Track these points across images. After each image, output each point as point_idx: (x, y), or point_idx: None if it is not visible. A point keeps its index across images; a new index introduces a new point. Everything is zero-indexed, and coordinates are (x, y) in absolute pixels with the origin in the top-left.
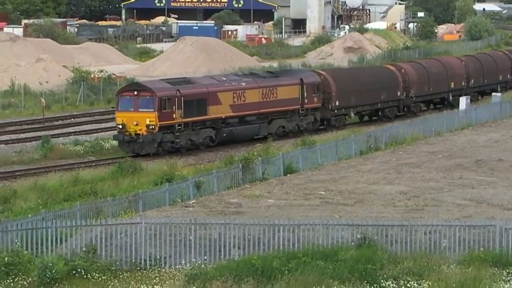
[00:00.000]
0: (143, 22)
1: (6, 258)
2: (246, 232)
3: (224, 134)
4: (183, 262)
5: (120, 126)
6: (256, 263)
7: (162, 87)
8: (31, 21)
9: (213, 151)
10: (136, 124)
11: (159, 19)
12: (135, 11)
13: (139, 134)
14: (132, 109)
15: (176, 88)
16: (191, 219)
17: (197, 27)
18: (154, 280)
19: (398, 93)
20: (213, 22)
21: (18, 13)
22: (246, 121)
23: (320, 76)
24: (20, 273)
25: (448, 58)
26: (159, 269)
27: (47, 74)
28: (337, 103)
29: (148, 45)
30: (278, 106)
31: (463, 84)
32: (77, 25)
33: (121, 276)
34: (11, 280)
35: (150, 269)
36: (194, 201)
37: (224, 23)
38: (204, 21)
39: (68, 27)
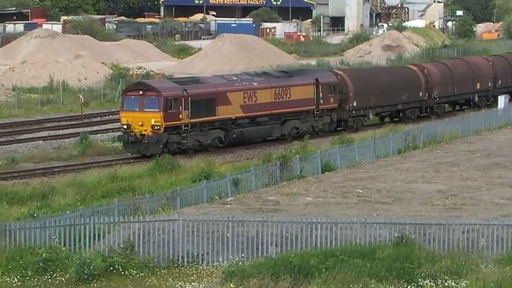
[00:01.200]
0: (181, 19)
1: (44, 254)
2: (284, 230)
3: (234, 135)
4: (221, 259)
5: (125, 127)
6: (293, 261)
7: (168, 87)
8: (70, 17)
9: (250, 149)
10: (141, 125)
11: (198, 16)
12: (173, 8)
13: (144, 134)
14: (138, 109)
15: (183, 88)
16: (228, 216)
17: (235, 25)
18: (192, 277)
19: (420, 94)
20: (252, 19)
21: (57, 9)
22: (258, 122)
23: (337, 76)
24: (58, 269)
25: (475, 58)
26: (196, 266)
27: (86, 71)
28: (354, 104)
29: (187, 42)
30: (291, 107)
31: (489, 84)
32: (116, 22)
33: (158, 273)
34: (49, 276)
35: (188, 266)
36: (231, 198)
37: (263, 21)
38: (243, 19)
39: (106, 24)
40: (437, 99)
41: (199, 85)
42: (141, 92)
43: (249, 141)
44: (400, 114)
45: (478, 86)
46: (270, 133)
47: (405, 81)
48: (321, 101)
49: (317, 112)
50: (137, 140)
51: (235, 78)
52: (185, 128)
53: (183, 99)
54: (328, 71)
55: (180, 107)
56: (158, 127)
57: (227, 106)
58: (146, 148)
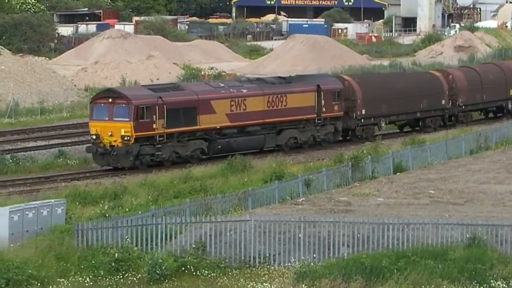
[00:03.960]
0: (253, 19)
1: (116, 254)
2: (355, 231)
3: (219, 146)
4: (292, 259)
5: (94, 137)
6: (365, 262)
7: (140, 94)
8: (142, 18)
9: (321, 150)
10: (111, 135)
11: (269, 17)
12: (245, 8)
13: (114, 145)
14: (107, 118)
15: (158, 95)
16: (300, 217)
17: (307, 25)
18: (263, 278)
19: (443, 101)
20: (323, 20)
21: (129, 10)
22: (248, 131)
23: (344, 82)
24: (130, 269)
25: (508, 63)
26: (268, 266)
27: (158, 71)
28: (363, 112)
29: (258, 42)
30: (288, 115)
31: None
32: (188, 22)
33: (230, 273)
34: (121, 276)
35: (259, 267)
36: (303, 198)
37: (334, 21)
38: (314, 19)
39: (178, 25)
40: (463, 106)
41: (178, 92)
42: (110, 100)
43: (239, 152)
44: (420, 123)
45: (511, 92)
46: (262, 143)
47: (424, 87)
48: (323, 109)
49: (319, 121)
50: (107, 151)
51: (221, 85)
52: (160, 139)
53: (157, 107)
54: (334, 76)
55: (154, 116)
56: (128, 137)
57: (211, 115)
58: (116, 160)
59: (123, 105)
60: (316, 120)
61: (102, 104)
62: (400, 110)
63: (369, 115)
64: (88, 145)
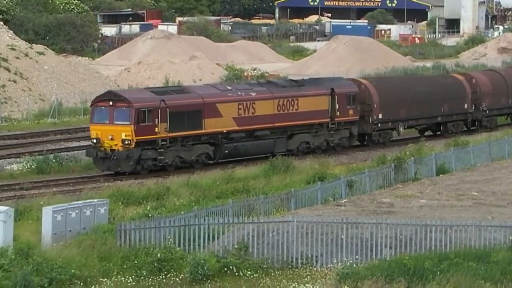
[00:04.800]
0: (296, 20)
1: (159, 254)
2: (398, 232)
3: (226, 151)
4: (335, 261)
5: (95, 141)
6: (407, 264)
7: (142, 97)
8: (185, 19)
9: (364, 151)
10: (112, 139)
11: (312, 18)
12: (288, 9)
13: (114, 150)
14: (108, 122)
15: (161, 98)
16: (343, 218)
17: (350, 26)
18: (305, 279)
19: (466, 106)
20: (367, 21)
21: (173, 11)
22: (257, 136)
23: (361, 86)
24: (173, 270)
25: None
26: (310, 267)
27: (201, 72)
28: (380, 116)
29: (301, 43)
30: (299, 120)
31: None
32: (231, 23)
33: (272, 274)
34: (163, 276)
35: (302, 268)
36: (346, 200)
37: (378, 23)
38: (358, 20)
39: (222, 25)
40: (487, 111)
41: (182, 95)
42: (111, 103)
43: (248, 156)
44: (441, 128)
45: None
46: (272, 148)
47: (446, 91)
48: (337, 113)
49: (332, 125)
50: (107, 156)
51: (229, 88)
52: (163, 143)
53: (159, 110)
54: (349, 80)
55: (156, 120)
56: (129, 141)
57: (217, 118)
58: (116, 165)
59: (124, 108)
60: (330, 124)
61: (103, 107)
62: (420, 114)
63: (386, 120)
64: (89, 149)
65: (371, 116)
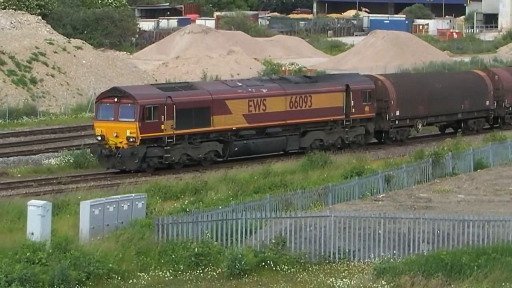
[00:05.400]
0: (334, 15)
1: (196, 249)
2: (436, 227)
3: (236, 148)
4: (372, 256)
5: (99, 138)
6: (445, 259)
7: (147, 94)
8: (223, 13)
9: (402, 146)
10: (116, 136)
11: (350, 13)
12: (326, 4)
13: (119, 147)
14: (112, 119)
15: (167, 94)
16: (380, 213)
17: (388, 21)
18: (343, 274)
19: (487, 102)
20: (404, 16)
21: (210, 5)
22: (268, 133)
23: (377, 82)
24: (210, 264)
25: None
26: (347, 262)
27: (239, 66)
28: (397, 113)
29: (339, 38)
30: (313, 117)
31: None
32: (269, 18)
33: (309, 268)
34: (200, 271)
35: (339, 262)
36: (383, 195)
37: (416, 17)
38: (395, 15)
39: (259, 20)
40: (510, 108)
41: (189, 91)
42: (116, 100)
43: (259, 154)
44: (462, 125)
45: None
46: (284, 145)
47: (466, 88)
48: (353, 110)
49: (347, 123)
50: (112, 153)
51: (239, 84)
52: (169, 140)
53: (166, 107)
54: (366, 76)
55: (162, 117)
56: (134, 139)
57: (226, 115)
58: (121, 162)
59: (129, 104)
60: (345, 121)
61: (108, 104)
62: (439, 111)
63: (404, 117)
64: (93, 146)
65: (388, 113)
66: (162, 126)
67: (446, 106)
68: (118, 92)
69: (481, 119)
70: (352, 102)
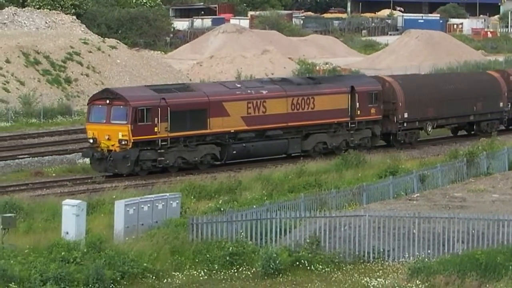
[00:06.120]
0: (368, 14)
1: (230, 248)
2: (470, 227)
3: (234, 151)
4: (406, 255)
5: (91, 141)
6: (480, 258)
7: (140, 96)
8: (257, 12)
9: (437, 145)
10: (108, 139)
11: (385, 12)
12: (360, 3)
13: (112, 150)
14: (104, 121)
15: (161, 96)
16: (415, 212)
17: (422, 20)
18: (377, 273)
19: (501, 104)
20: (439, 15)
21: (244, 4)
22: (268, 136)
23: (385, 84)
24: (244, 263)
25: None
26: (382, 262)
27: (273, 66)
28: (405, 115)
29: (373, 37)
30: (316, 119)
31: None
32: (303, 17)
33: (344, 268)
34: (235, 270)
35: (373, 262)
36: (418, 194)
37: (450, 17)
38: (430, 14)
39: (293, 19)
40: None
41: (185, 93)
42: (108, 101)
43: (259, 157)
44: (474, 127)
45: None
46: (286, 148)
47: (479, 89)
48: (358, 112)
49: (353, 125)
50: (104, 156)
51: (238, 86)
52: (163, 143)
53: (159, 109)
54: (372, 77)
55: (156, 119)
56: (126, 142)
57: (224, 117)
58: (113, 166)
59: (121, 106)
60: (350, 124)
61: (100, 106)
62: (450, 113)
63: (412, 119)
64: (85, 149)
65: (395, 115)
66: (156, 129)
67: (457, 108)
68: (110, 93)
69: (494, 121)
70: (358, 104)
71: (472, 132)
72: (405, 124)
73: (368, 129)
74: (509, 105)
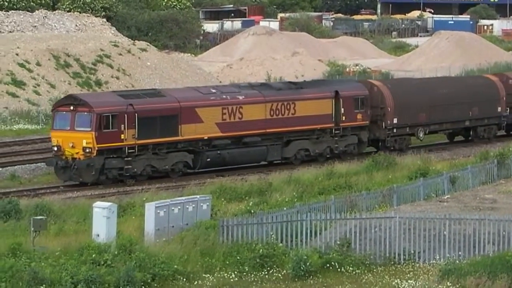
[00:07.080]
0: (398, 16)
1: (261, 250)
2: (501, 228)
3: (208, 159)
4: (437, 257)
5: (56, 148)
6: (510, 260)
7: (105, 101)
8: (287, 15)
9: (467, 147)
10: (73, 146)
11: (415, 14)
12: (390, 5)
13: (76, 158)
14: (69, 128)
15: (128, 102)
16: (445, 214)
17: (452, 22)
18: (408, 275)
19: (499, 109)
20: (469, 16)
21: (274, 6)
22: (245, 143)
23: (373, 88)
24: (275, 265)
25: None
26: (413, 264)
27: (303, 68)
28: (394, 121)
29: (403, 39)
30: (297, 125)
31: None
32: (333, 19)
33: (375, 270)
34: (265, 272)
35: (404, 264)
36: (448, 196)
37: (480, 18)
38: (460, 16)
39: (323, 21)
40: None
41: (154, 99)
42: (72, 108)
43: (236, 165)
44: (471, 133)
45: None
46: (264, 156)
47: (475, 93)
48: (343, 118)
49: (337, 131)
50: (68, 165)
51: (213, 91)
52: (130, 151)
53: (126, 115)
54: (360, 82)
55: (122, 126)
56: (90, 149)
57: (197, 124)
58: (77, 174)
59: (85, 113)
60: (334, 130)
61: (64, 112)
62: (444, 118)
63: (402, 125)
64: (49, 158)
65: (384, 121)
66: (122, 136)
67: (451, 113)
68: (74, 100)
69: (492, 126)
70: (342, 109)
71: (470, 138)
72: (394, 130)
73: (354, 135)
74: (508, 110)
